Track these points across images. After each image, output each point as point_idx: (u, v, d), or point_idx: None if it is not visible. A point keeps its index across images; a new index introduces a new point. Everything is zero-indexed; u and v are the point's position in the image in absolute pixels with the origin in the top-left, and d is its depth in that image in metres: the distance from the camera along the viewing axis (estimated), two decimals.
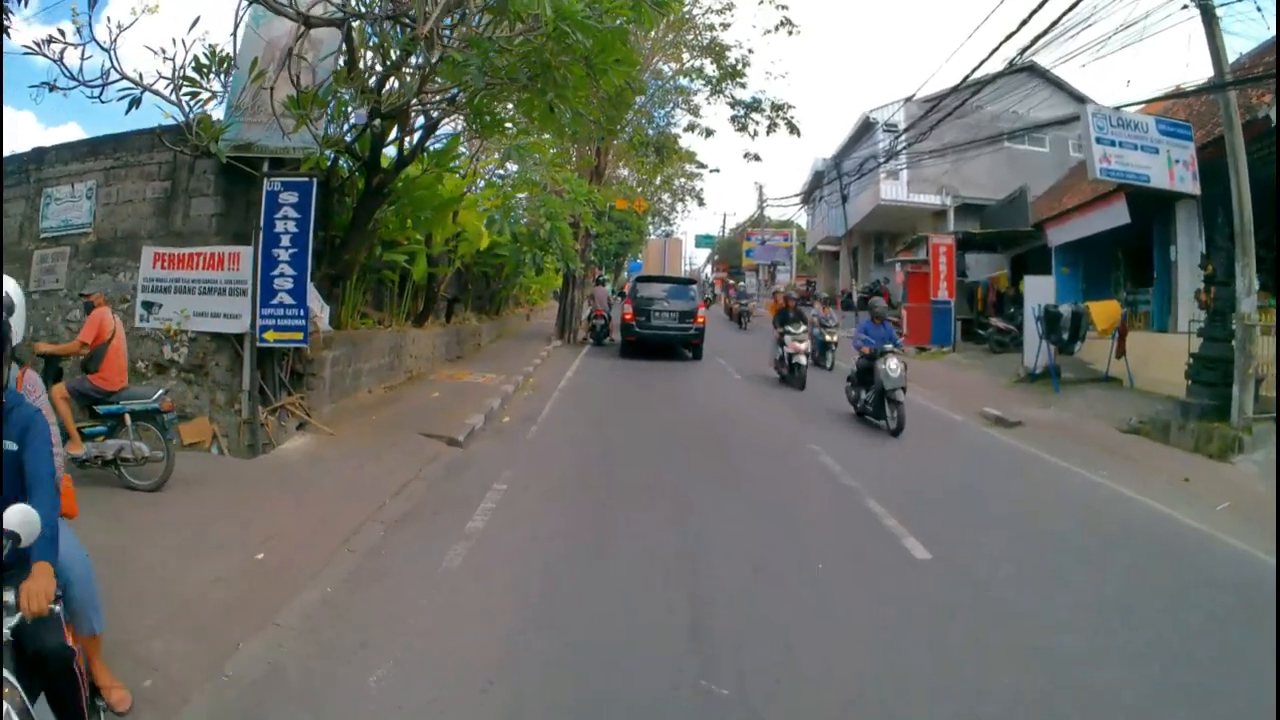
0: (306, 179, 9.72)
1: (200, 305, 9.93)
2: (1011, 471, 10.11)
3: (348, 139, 10.68)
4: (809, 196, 51.31)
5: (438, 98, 10.27)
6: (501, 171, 18.42)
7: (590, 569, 6.27)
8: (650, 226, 64.71)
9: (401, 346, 13.83)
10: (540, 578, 6.06)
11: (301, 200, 9.74)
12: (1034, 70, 29.82)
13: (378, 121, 10.28)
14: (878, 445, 11.30)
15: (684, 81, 26.69)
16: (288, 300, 9.69)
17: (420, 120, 11.51)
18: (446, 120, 11.98)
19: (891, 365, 12.04)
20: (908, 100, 32.05)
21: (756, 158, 29.75)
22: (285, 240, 9.71)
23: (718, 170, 71.28)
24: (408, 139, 11.45)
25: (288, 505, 7.52)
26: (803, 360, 16.55)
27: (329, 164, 10.82)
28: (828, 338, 20.53)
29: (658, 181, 55.69)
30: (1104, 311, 17.31)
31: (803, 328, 17.23)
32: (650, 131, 28.06)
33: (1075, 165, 26.96)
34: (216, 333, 9.95)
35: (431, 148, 12.60)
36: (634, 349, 22.00)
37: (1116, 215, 18.42)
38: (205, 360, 10.01)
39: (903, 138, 30.38)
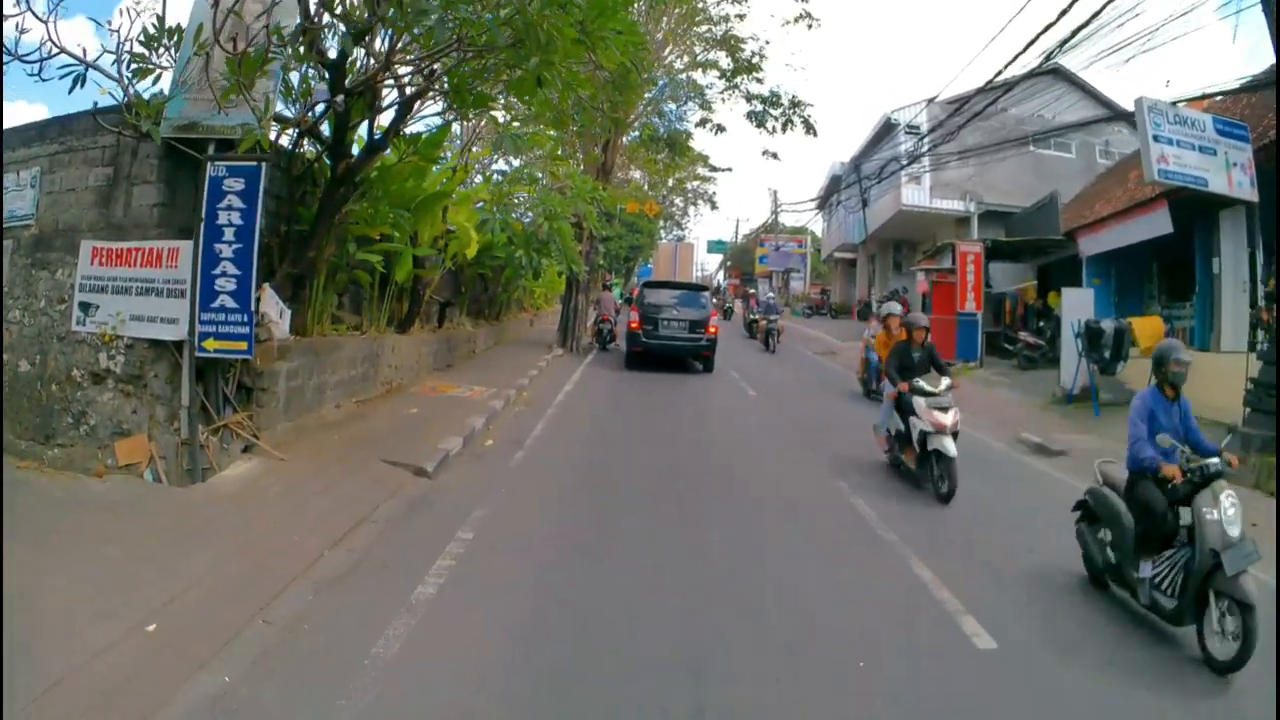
0: (254, 164, 8.36)
1: (137, 307, 8.54)
2: (1065, 516, 8.76)
3: (311, 117, 9.44)
4: (825, 202, 50.19)
5: (410, 68, 8.94)
6: (500, 167, 17.09)
7: (564, 668, 4.83)
8: (662, 231, 63.79)
9: (378, 355, 12.47)
10: (498, 676, 4.68)
11: (248, 188, 8.34)
12: (1059, 73, 29.03)
13: (341, 99, 8.93)
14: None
15: (697, 76, 25.27)
16: (230, 304, 8.30)
17: (393, 97, 10.16)
18: (427, 100, 10.58)
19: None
20: (930, 101, 31.31)
21: (774, 156, 28.55)
22: (229, 234, 8.31)
23: (730, 169, 70.22)
24: (379, 120, 10.10)
25: (208, 553, 6.13)
26: (949, 448, 9.04)
27: (281, 146, 9.61)
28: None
29: (670, 184, 55.06)
30: (1146, 328, 16.10)
31: (945, 384, 9.81)
32: (661, 128, 26.79)
33: (1103, 171, 25.80)
34: (155, 339, 8.56)
35: (410, 132, 11.11)
36: (640, 360, 20.57)
37: (1157, 224, 17.33)
38: (144, 370, 8.66)
39: (925, 140, 29.00)
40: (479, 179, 16.86)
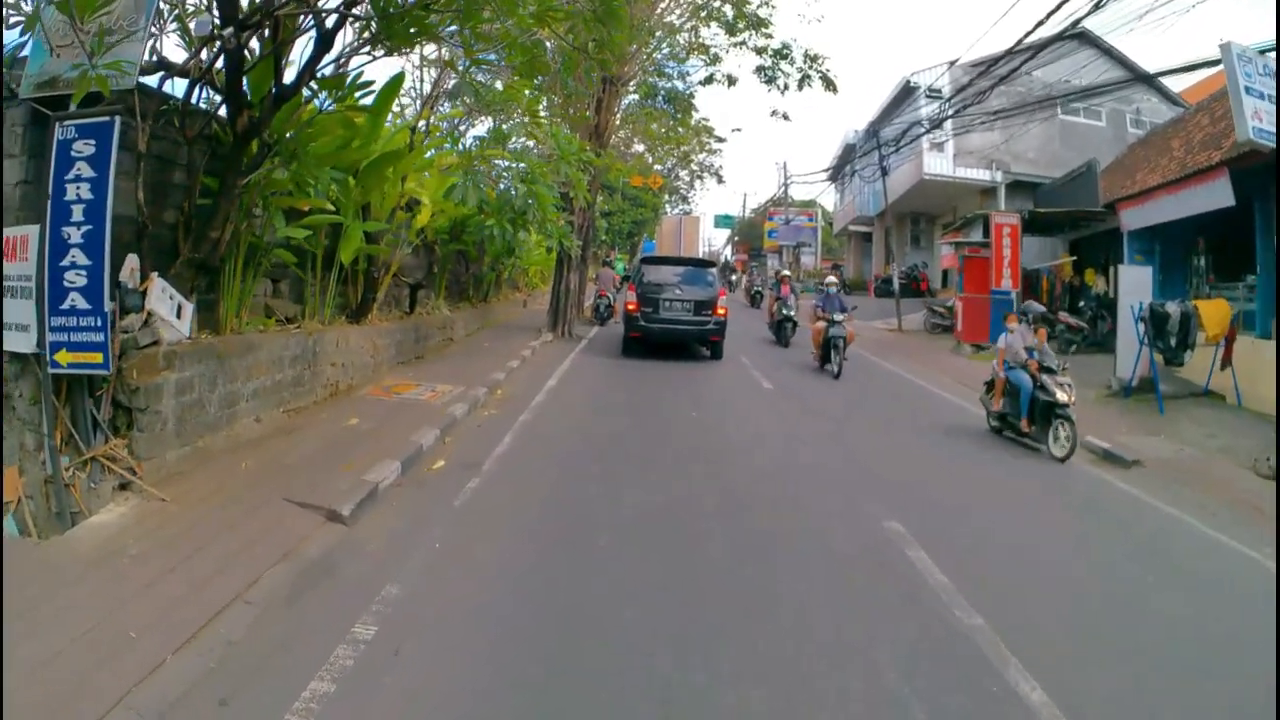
0: (106, 118, 6.42)
1: None
2: (1159, 555, 7.00)
3: (204, 60, 7.50)
4: (838, 173, 48.29)
5: None
6: (481, 132, 15.01)
7: None
8: (667, 206, 62.14)
9: (317, 352, 10.47)
10: None
11: (99, 151, 6.41)
12: (1084, 38, 27.48)
13: (232, 32, 6.95)
14: (979, 512, 8.07)
15: (701, 30, 23.08)
16: (81, 305, 6.43)
17: (310, 34, 8.15)
18: (354, 39, 8.56)
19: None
20: (953, 64, 29.38)
21: (785, 117, 25.97)
22: (78, 214, 6.41)
23: (740, 130, 67.79)
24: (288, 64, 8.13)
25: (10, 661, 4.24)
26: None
27: (169, 99, 7.68)
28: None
29: (674, 158, 53.36)
30: (1213, 313, 14.19)
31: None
32: (660, 87, 24.73)
33: (1135, 140, 23.96)
34: (15, 352, 6.78)
35: (328, 75, 8.96)
36: (638, 347, 18.57)
37: (1216, 195, 15.41)
38: (10, 389, 6.95)
39: (949, 105, 27.02)
40: (454, 144, 14.69)
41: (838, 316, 16.87)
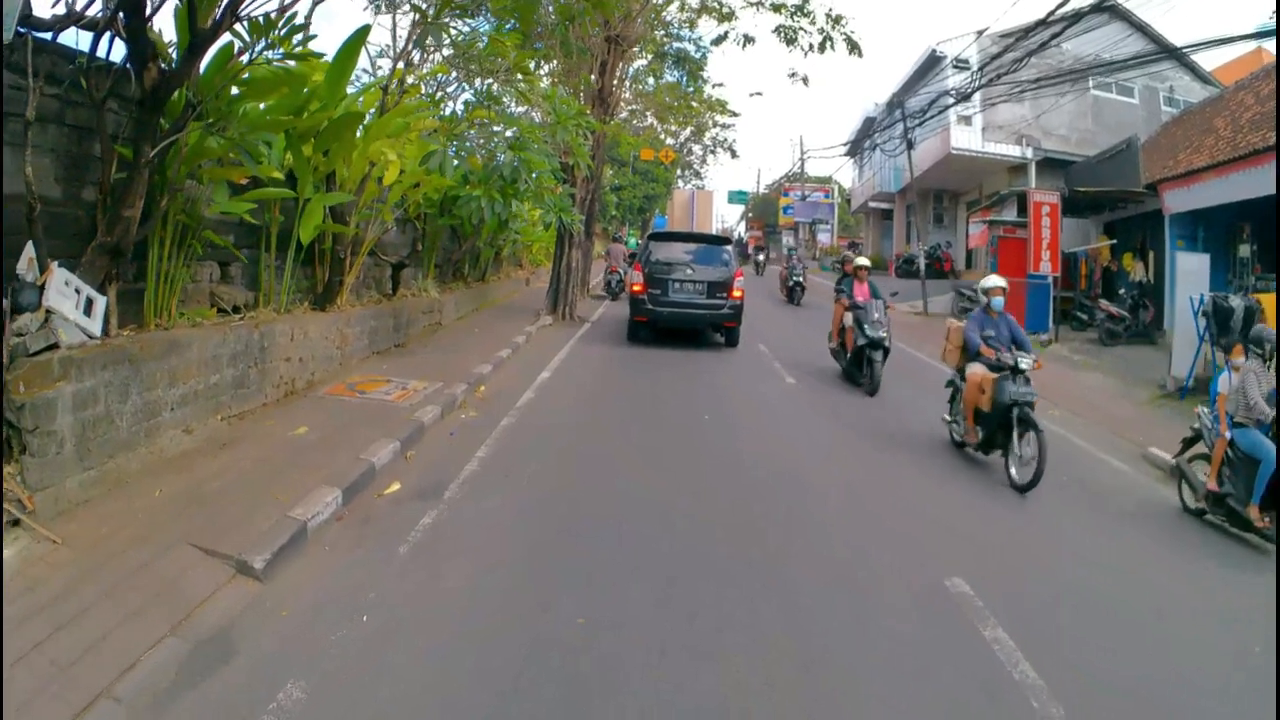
0: None
1: None
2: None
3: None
4: (856, 147, 46.90)
5: None
6: (468, 97, 13.48)
7: None
8: (680, 181, 60.91)
9: (266, 347, 9.02)
10: None
11: None
12: (1115, 11, 26.99)
13: None
14: (1044, 556, 6.69)
15: None
16: None
17: None
18: None
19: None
20: (981, 34, 28.24)
21: (804, 80, 24.53)
22: None
23: (759, 94, 66.09)
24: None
25: None
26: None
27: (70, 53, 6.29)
28: None
29: (688, 130, 52.03)
30: (1274, 308, 13.20)
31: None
32: (670, 48, 23.25)
33: (1168, 120, 22.77)
34: None
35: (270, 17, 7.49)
36: (645, 332, 17.13)
37: (1270, 179, 14.25)
38: None
39: (977, 76, 25.65)
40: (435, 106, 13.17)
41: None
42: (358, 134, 10.50)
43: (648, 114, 36.06)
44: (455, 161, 11.57)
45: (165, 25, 8.77)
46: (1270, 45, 23.40)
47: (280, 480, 6.73)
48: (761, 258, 45.40)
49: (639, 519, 6.75)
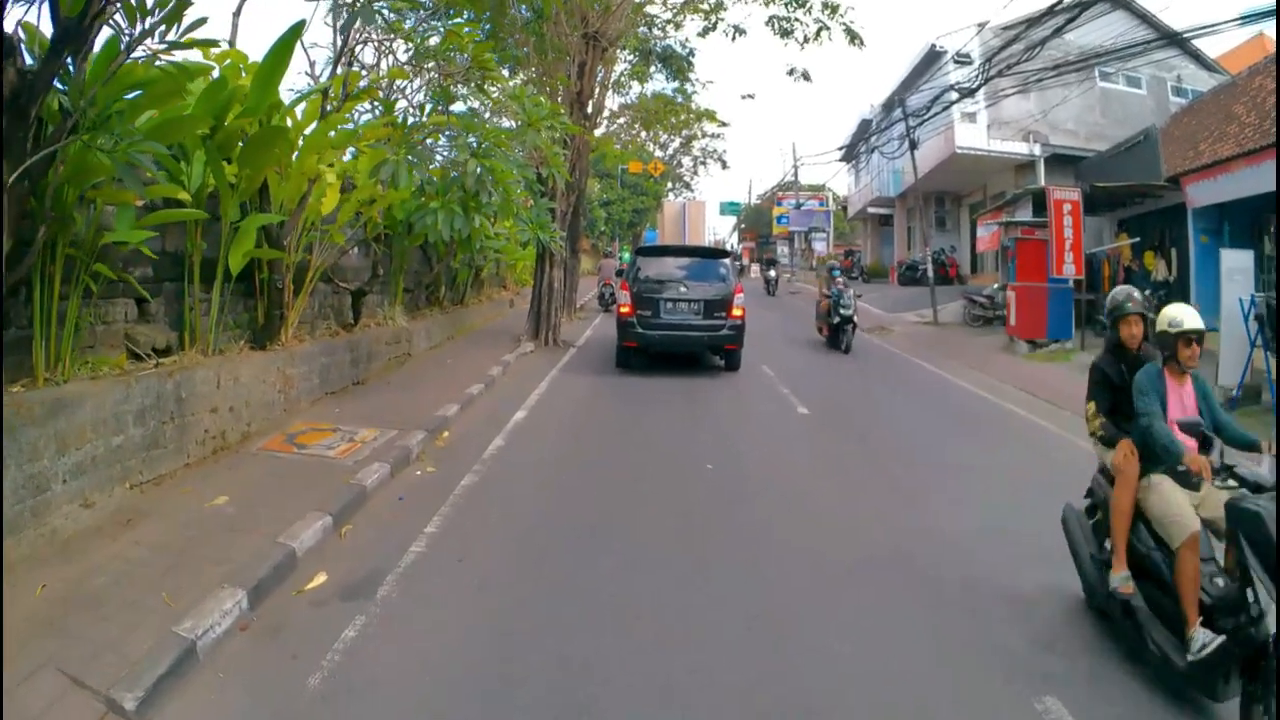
0: None
1: None
2: None
3: None
4: (852, 151, 45.87)
5: None
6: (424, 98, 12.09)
7: None
8: (670, 194, 60.08)
9: (184, 398, 7.69)
10: None
11: None
12: (1118, 1, 26.73)
13: None
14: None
15: None
16: None
17: None
18: None
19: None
20: (982, 27, 27.63)
21: (805, 76, 23.22)
22: None
23: (752, 96, 64.82)
24: None
25: None
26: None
27: None
28: None
29: (677, 139, 51.09)
30: None
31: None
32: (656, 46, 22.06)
33: (1178, 110, 21.71)
34: None
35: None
36: (636, 358, 15.68)
37: None
38: None
39: (982, 71, 24.56)
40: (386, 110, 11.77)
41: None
42: (292, 146, 9.21)
43: (635, 125, 35.10)
44: (413, 172, 10.15)
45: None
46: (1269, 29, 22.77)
47: (178, 574, 5.41)
48: (773, 274, 40.66)
49: (623, 644, 4.95)
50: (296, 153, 9.38)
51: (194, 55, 8.30)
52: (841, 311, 19.05)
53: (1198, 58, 29.63)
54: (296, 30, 8.41)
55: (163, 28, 5.96)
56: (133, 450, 6.96)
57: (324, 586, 5.59)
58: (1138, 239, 20.49)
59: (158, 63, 6.62)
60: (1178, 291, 18.54)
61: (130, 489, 6.89)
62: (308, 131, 9.61)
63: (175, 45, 6.01)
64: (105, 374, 7.13)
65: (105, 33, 5.92)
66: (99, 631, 4.64)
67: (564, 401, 12.58)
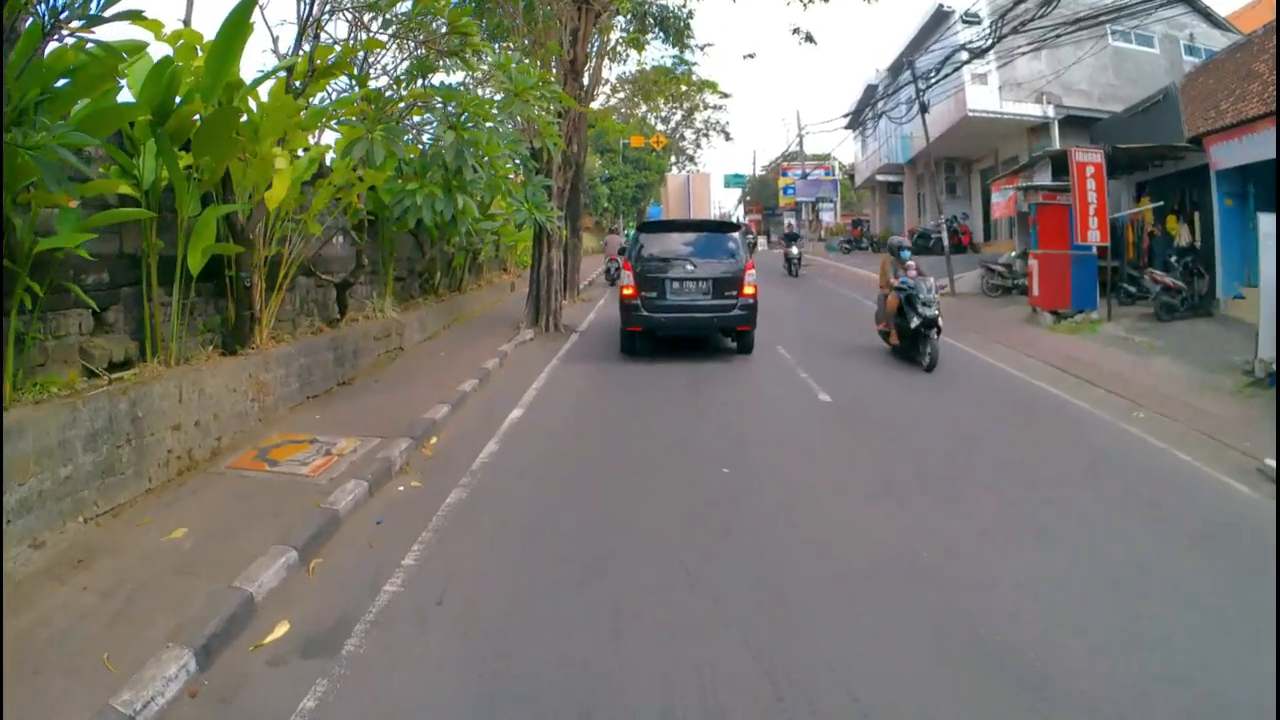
0: None
1: None
2: None
3: None
4: (858, 118, 45.03)
5: None
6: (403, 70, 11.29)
7: None
8: (674, 167, 59.46)
9: (140, 417, 7.01)
10: None
11: None
12: None
13: None
14: None
15: None
16: None
17: None
18: None
19: None
20: None
21: (809, 38, 22.43)
22: None
23: (753, 55, 63.66)
24: None
25: None
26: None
27: None
28: None
29: (676, 118, 50.39)
30: None
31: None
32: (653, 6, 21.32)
33: (1192, 69, 20.80)
34: None
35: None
36: (641, 343, 14.95)
37: None
38: None
39: (998, 25, 23.75)
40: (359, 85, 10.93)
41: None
42: (254, 129, 8.47)
43: (636, 98, 34.46)
44: (389, 148, 9.37)
45: None
46: None
47: (125, 626, 4.77)
48: (795, 251, 35.13)
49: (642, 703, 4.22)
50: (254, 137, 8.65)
51: (145, 36, 7.67)
52: (923, 311, 13.30)
53: (1208, 16, 29.16)
54: (250, 2, 7.69)
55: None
56: (85, 480, 6.29)
57: (285, 639, 4.88)
58: (1160, 203, 19.73)
59: (88, 45, 5.95)
60: (1204, 257, 17.88)
61: (85, 523, 6.23)
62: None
63: (94, 20, 5.27)
64: (50, 396, 6.45)
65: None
66: (34, 701, 4.04)
67: (564, 396, 11.84)
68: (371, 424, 9.28)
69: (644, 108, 38.88)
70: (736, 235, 15.09)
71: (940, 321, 13.35)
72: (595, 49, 21.71)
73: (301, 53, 9.41)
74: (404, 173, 11.94)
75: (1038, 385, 12.48)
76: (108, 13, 5.41)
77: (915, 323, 13.32)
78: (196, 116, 7.72)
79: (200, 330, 9.12)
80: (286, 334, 10.86)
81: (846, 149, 64.38)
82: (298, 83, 9.04)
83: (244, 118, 8.63)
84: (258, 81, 8.53)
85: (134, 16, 5.89)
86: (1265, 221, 12.34)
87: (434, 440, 9.25)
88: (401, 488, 7.71)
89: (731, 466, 8.32)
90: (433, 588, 5.58)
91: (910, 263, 13.99)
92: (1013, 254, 24.13)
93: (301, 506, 6.69)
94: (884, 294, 14.60)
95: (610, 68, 26.66)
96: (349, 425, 9.24)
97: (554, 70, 16.91)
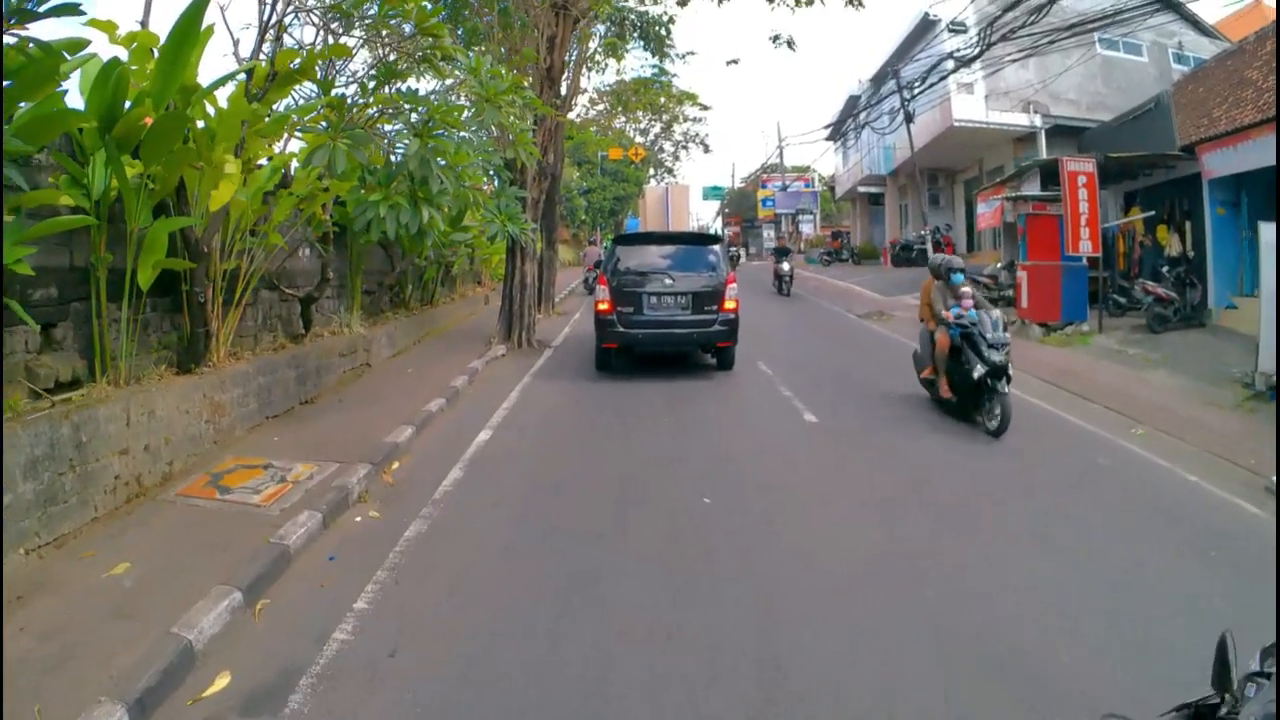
0: None
1: None
2: None
3: None
4: (840, 129, 45.09)
5: None
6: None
7: None
8: (652, 180, 59.53)
9: (87, 441, 6.58)
10: None
11: None
12: None
13: None
14: None
15: None
16: None
17: None
18: None
19: None
20: None
21: (789, 44, 22.25)
22: None
23: (736, 61, 63.57)
24: None
25: None
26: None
27: None
28: None
29: (655, 130, 50.45)
30: None
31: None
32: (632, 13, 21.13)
33: (1182, 77, 20.92)
34: None
35: None
36: (617, 361, 14.64)
37: None
38: None
39: (986, 33, 23.71)
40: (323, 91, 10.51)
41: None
42: (209, 137, 8.11)
43: (616, 110, 34.42)
44: (351, 157, 9.02)
45: None
46: None
47: (58, 677, 4.41)
48: (787, 268, 30.53)
49: None
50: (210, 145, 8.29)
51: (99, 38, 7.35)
52: (989, 355, 10.05)
53: (1196, 23, 29.29)
54: (203, 2, 7.35)
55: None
56: (25, 509, 5.90)
57: (225, 693, 4.49)
58: (1152, 213, 19.67)
59: (30, 46, 5.60)
60: (1196, 267, 17.79)
61: (27, 555, 5.85)
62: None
63: (26, 15, 4.92)
64: None
65: None
66: None
67: (534, 416, 11.44)
68: (331, 447, 8.90)
69: (623, 119, 38.85)
70: (717, 248, 14.72)
71: (1011, 369, 10.19)
72: (574, 58, 21.45)
73: (262, 56, 9.06)
74: (368, 183, 11.59)
75: (1031, 401, 12.17)
76: (43, 8, 5.04)
77: (979, 371, 10.13)
78: (148, 122, 7.37)
79: (155, 348, 8.72)
80: (248, 351, 10.48)
81: (827, 161, 64.81)
82: (253, 90, 8.68)
83: (202, 124, 8.30)
84: (214, 86, 8.17)
85: (72, 11, 5.51)
86: (1266, 231, 12.21)
87: (396, 465, 8.86)
88: (359, 518, 7.30)
89: (714, 497, 7.85)
90: (385, 636, 5.15)
91: (965, 288, 11.16)
92: (998, 265, 24.02)
93: (251, 540, 6.30)
94: (929, 330, 11.59)
95: (589, 76, 26.53)
96: (307, 449, 8.85)
97: (530, 78, 16.60)
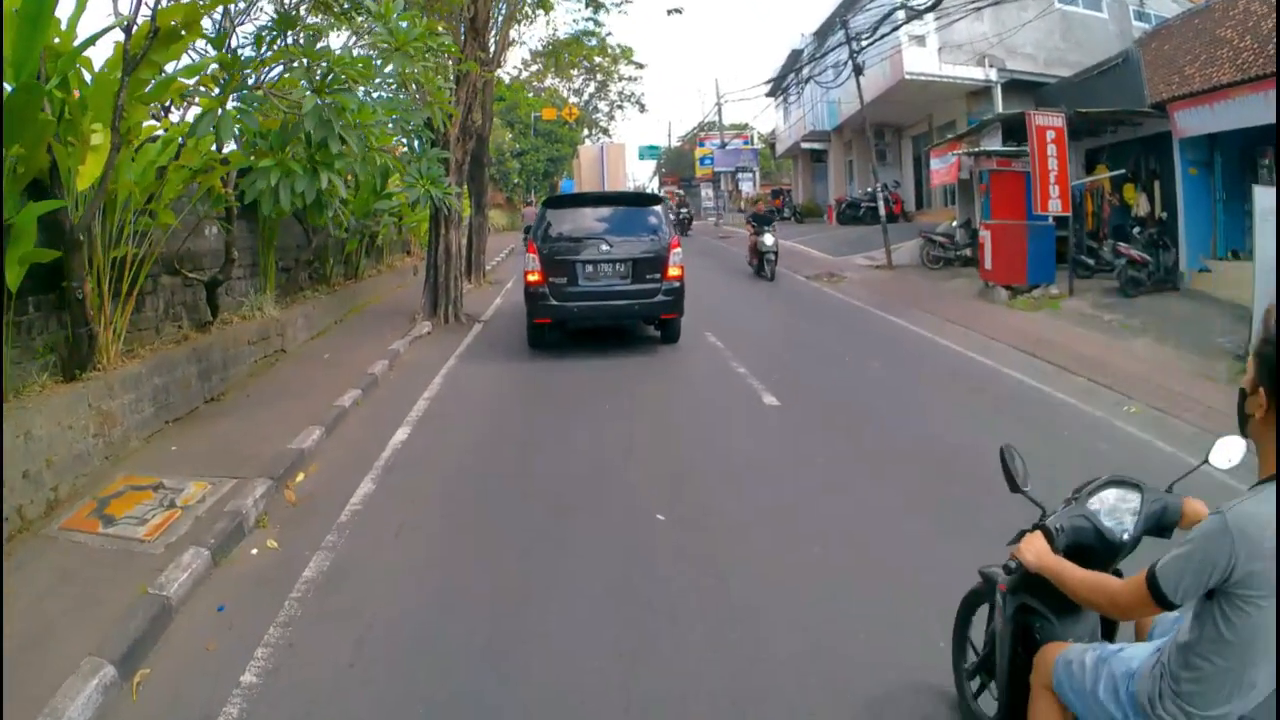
0: None
1: None
2: None
3: None
4: (780, 85, 44.61)
5: None
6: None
7: None
8: (587, 140, 59.02)
9: None
10: None
11: None
12: None
13: None
14: None
15: None
16: None
17: None
18: None
19: None
20: None
21: (677, 11, 21.53)
22: None
23: (679, 10, 63.20)
24: None
25: None
26: None
27: None
28: None
29: (590, 89, 49.77)
30: None
31: None
32: None
33: (1143, 35, 20.76)
34: None
35: None
36: (551, 336, 13.92)
37: None
38: None
39: None
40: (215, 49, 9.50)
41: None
42: (76, 109, 7.20)
43: (549, 71, 33.66)
44: (241, 122, 8.13)
45: None
46: None
47: None
48: (770, 241, 23.19)
49: None
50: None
51: None
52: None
53: None
54: None
55: None
56: None
57: None
58: (1123, 171, 19.33)
59: None
60: (1168, 229, 17.47)
61: None
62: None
63: None
64: None
65: None
66: None
67: (459, 407, 10.62)
68: (231, 457, 8.01)
69: (555, 78, 38.10)
70: (659, 209, 14.07)
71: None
72: (504, 12, 20.54)
73: (146, 10, 8.06)
74: (257, 148, 10.62)
75: (1010, 374, 11.73)
76: None
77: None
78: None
79: (40, 352, 7.80)
80: (146, 347, 9.56)
81: (766, 118, 64.50)
82: (139, 51, 7.73)
83: (78, 94, 7.41)
84: (83, 46, 7.24)
85: None
86: (1262, 195, 11.86)
87: (301, 478, 7.93)
88: (255, 550, 6.37)
89: (667, 514, 6.93)
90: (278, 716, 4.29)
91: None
92: (954, 223, 23.65)
93: (129, 590, 5.36)
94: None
95: (519, 28, 25.57)
96: (205, 460, 7.96)
97: (453, 30, 15.63)
